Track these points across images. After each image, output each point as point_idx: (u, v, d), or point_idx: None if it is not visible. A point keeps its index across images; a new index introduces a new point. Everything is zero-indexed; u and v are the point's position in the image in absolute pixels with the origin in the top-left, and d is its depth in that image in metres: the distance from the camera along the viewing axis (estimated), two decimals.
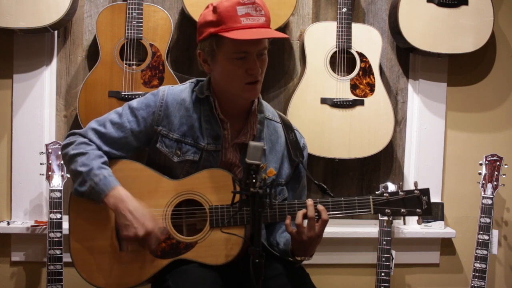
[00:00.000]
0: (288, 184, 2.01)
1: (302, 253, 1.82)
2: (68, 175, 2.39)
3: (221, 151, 1.90)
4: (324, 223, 1.77)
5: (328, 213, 1.79)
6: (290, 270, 1.86)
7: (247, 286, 1.82)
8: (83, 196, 1.83)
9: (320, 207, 1.77)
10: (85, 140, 1.88)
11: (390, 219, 1.84)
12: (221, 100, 1.90)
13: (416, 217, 1.81)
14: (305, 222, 1.77)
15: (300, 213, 1.75)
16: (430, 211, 1.81)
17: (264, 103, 2.01)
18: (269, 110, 2.03)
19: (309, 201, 1.77)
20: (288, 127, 2.02)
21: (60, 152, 2.38)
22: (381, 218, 2.52)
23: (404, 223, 1.87)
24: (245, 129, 1.92)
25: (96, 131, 1.89)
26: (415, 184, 1.82)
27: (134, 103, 1.92)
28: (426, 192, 1.81)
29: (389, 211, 1.80)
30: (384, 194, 1.81)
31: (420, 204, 1.80)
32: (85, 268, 1.86)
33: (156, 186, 1.87)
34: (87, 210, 1.85)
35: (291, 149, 1.97)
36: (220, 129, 1.89)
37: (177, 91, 1.93)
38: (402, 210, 1.80)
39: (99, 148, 1.88)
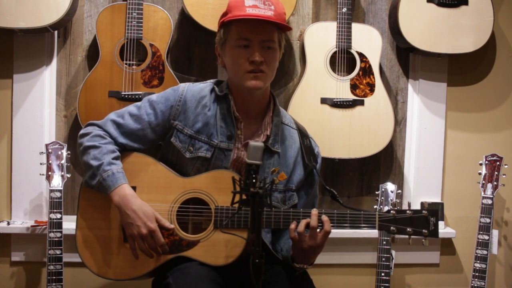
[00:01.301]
0: (300, 190, 2.02)
1: (302, 260, 1.83)
2: (68, 175, 2.40)
3: (233, 150, 1.91)
4: (326, 234, 1.77)
5: (332, 225, 1.78)
6: (293, 275, 1.87)
7: (247, 286, 1.83)
8: (92, 189, 1.88)
9: (324, 218, 1.77)
10: (101, 132, 1.92)
11: (395, 237, 1.81)
12: (237, 98, 1.93)
13: (422, 238, 1.77)
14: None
15: (303, 222, 1.76)
16: (437, 233, 1.76)
17: (281, 109, 2.04)
18: (286, 116, 2.06)
19: (314, 211, 1.77)
20: (303, 134, 2.04)
21: (60, 152, 2.39)
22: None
23: (410, 243, 1.83)
24: (259, 129, 1.94)
25: (114, 122, 1.94)
26: (424, 204, 1.79)
27: (154, 96, 1.97)
28: (434, 213, 1.77)
29: (394, 228, 1.77)
30: (391, 212, 1.78)
31: (427, 225, 1.76)
32: (88, 256, 1.88)
33: (165, 181, 1.89)
34: (97, 198, 1.88)
35: (305, 154, 1.99)
36: (234, 128, 1.90)
37: (197, 88, 1.97)
38: (408, 229, 1.76)
39: (115, 140, 1.92)
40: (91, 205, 1.90)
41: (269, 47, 1.85)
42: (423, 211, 1.77)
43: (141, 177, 1.89)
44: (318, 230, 1.76)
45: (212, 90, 1.96)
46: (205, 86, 1.98)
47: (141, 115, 1.94)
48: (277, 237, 2.03)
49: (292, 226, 1.77)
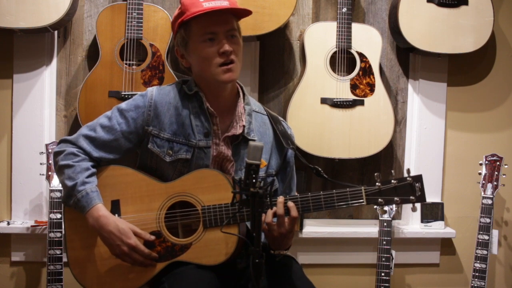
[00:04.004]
0: (277, 174, 2.02)
1: (277, 247, 1.84)
2: None
3: (212, 147, 1.91)
4: (293, 220, 1.78)
5: (320, 205, 1.79)
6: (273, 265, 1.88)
7: (244, 286, 1.83)
8: (71, 207, 1.87)
9: (290, 204, 1.78)
10: (75, 150, 1.90)
11: (385, 208, 1.82)
12: (208, 94, 1.92)
13: (411, 205, 1.79)
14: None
15: (269, 212, 1.77)
16: (424, 198, 1.77)
17: (250, 97, 2.04)
18: (255, 103, 2.06)
19: (280, 198, 1.78)
20: (275, 119, 2.05)
21: None
22: (381, 219, 2.51)
23: (399, 212, 1.84)
24: (233, 121, 1.93)
25: (86, 136, 1.91)
26: (408, 171, 1.79)
27: (123, 105, 1.94)
28: (418, 178, 1.78)
29: (382, 200, 1.78)
30: (376, 184, 1.78)
31: (413, 191, 1.77)
32: (83, 275, 1.87)
33: (148, 190, 1.87)
34: (80, 218, 1.85)
35: (282, 139, 1.99)
36: (210, 124, 1.90)
37: (165, 91, 1.96)
38: (396, 198, 1.77)
39: (89, 155, 1.89)
40: (77, 224, 1.88)
41: (233, 36, 1.86)
42: (407, 178, 1.77)
43: (122, 189, 1.87)
44: (285, 217, 1.77)
45: (180, 90, 1.95)
46: (172, 87, 1.97)
47: (113, 125, 1.91)
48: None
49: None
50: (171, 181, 1.89)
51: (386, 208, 1.80)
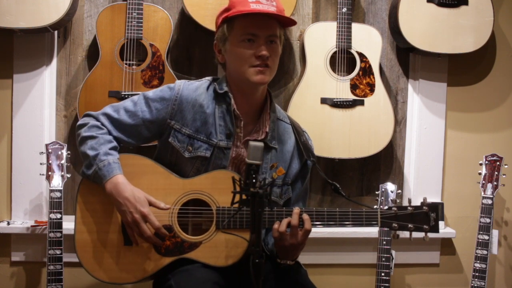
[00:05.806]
0: (294, 183, 2.03)
1: (285, 257, 1.85)
2: (68, 175, 2.40)
3: (232, 148, 1.91)
4: (307, 232, 1.79)
5: (335, 223, 1.80)
6: (282, 271, 1.88)
7: (249, 287, 1.83)
8: (88, 179, 1.87)
9: (305, 216, 1.78)
10: (98, 123, 1.92)
11: (397, 233, 1.83)
12: (237, 95, 1.92)
13: (423, 233, 1.80)
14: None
15: (285, 221, 1.78)
16: (437, 229, 1.79)
17: (276, 105, 2.04)
18: (280, 111, 2.07)
19: (295, 209, 1.78)
20: (298, 129, 2.05)
21: (60, 152, 2.39)
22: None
23: (411, 239, 1.85)
24: (257, 126, 1.94)
25: (109, 116, 1.93)
26: (424, 200, 1.81)
27: (150, 93, 1.95)
28: (434, 208, 1.80)
29: (396, 225, 1.79)
30: (393, 208, 1.80)
31: (428, 220, 1.79)
32: (88, 260, 1.87)
33: (165, 183, 1.88)
34: (94, 202, 1.87)
35: (303, 150, 1.99)
36: (233, 127, 1.90)
37: (193, 86, 1.95)
38: (410, 225, 1.79)
39: (109, 133, 1.92)
40: (89, 209, 1.89)
41: (272, 41, 1.86)
42: (424, 207, 1.79)
43: (140, 179, 1.88)
44: (299, 228, 1.78)
45: (209, 87, 1.95)
46: (201, 84, 1.97)
47: (136, 111, 1.92)
48: (266, 230, 2.04)
49: (275, 226, 1.78)
50: (188, 177, 1.89)
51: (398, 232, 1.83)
